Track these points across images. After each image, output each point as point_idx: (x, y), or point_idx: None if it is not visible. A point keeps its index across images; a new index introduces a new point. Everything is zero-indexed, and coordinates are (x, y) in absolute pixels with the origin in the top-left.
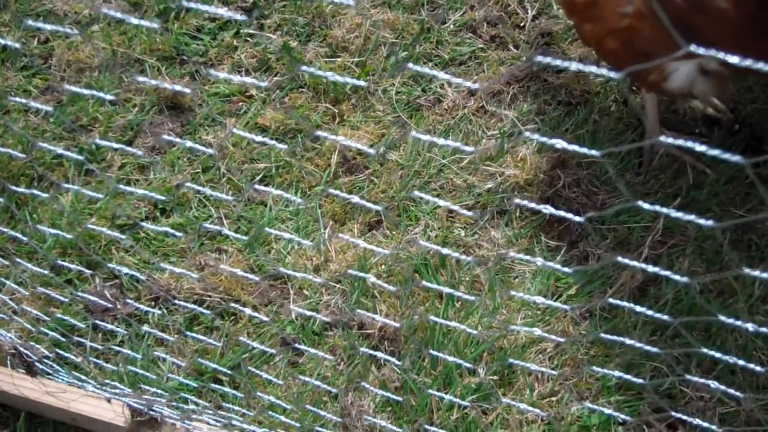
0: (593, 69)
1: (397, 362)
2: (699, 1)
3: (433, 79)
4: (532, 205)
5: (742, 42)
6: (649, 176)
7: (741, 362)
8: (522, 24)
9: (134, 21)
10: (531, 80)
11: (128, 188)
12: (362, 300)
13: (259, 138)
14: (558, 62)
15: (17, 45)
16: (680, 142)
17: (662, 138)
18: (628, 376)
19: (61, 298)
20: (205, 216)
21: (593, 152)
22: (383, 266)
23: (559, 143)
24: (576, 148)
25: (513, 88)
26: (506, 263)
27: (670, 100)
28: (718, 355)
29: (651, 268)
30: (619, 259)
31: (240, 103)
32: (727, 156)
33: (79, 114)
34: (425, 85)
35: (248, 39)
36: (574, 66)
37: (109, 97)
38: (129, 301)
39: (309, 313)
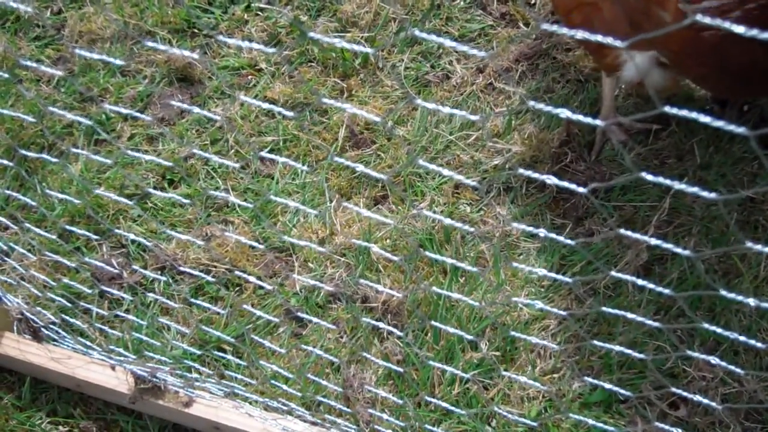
0: (598, 37)
1: (399, 333)
2: (645, 7)
3: (442, 55)
4: (536, 175)
5: (679, 54)
6: (650, 157)
7: (742, 338)
8: (532, 1)
9: None
10: (540, 58)
11: (136, 153)
12: (367, 274)
13: (266, 105)
14: (564, 30)
15: (30, 9)
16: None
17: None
18: (630, 351)
19: (69, 264)
20: (213, 187)
21: (598, 122)
22: (388, 240)
23: (564, 113)
24: (581, 117)
25: (522, 66)
26: (511, 240)
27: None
28: (720, 330)
29: (654, 241)
30: (622, 231)
31: (249, 77)
32: (731, 128)
33: (90, 85)
34: (434, 62)
35: (259, 13)
36: (579, 34)
37: (119, 62)
38: (136, 268)
39: (312, 282)
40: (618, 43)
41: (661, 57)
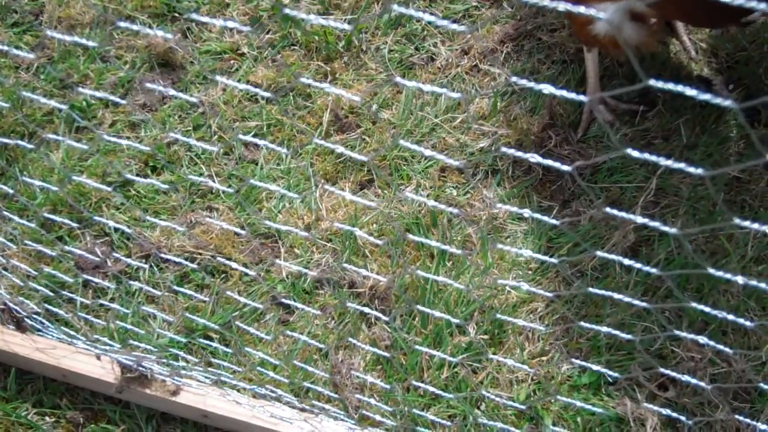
0: (581, 9)
1: (386, 318)
2: None
3: (427, 37)
4: (519, 153)
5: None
6: (637, 136)
7: (730, 317)
8: None
9: None
10: (525, 39)
11: (116, 139)
12: (353, 259)
13: (242, 85)
14: (546, 1)
15: None
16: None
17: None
18: (618, 332)
19: (52, 253)
20: (196, 174)
21: (582, 97)
22: (374, 225)
23: (547, 88)
24: (564, 93)
25: (507, 47)
26: (498, 223)
27: (617, 60)
28: (707, 309)
29: (640, 219)
30: (607, 209)
31: (231, 61)
32: (718, 100)
33: (70, 71)
34: (418, 44)
35: None
36: (562, 6)
37: (92, 44)
38: (119, 256)
39: (296, 267)
40: None
41: (633, 7)
